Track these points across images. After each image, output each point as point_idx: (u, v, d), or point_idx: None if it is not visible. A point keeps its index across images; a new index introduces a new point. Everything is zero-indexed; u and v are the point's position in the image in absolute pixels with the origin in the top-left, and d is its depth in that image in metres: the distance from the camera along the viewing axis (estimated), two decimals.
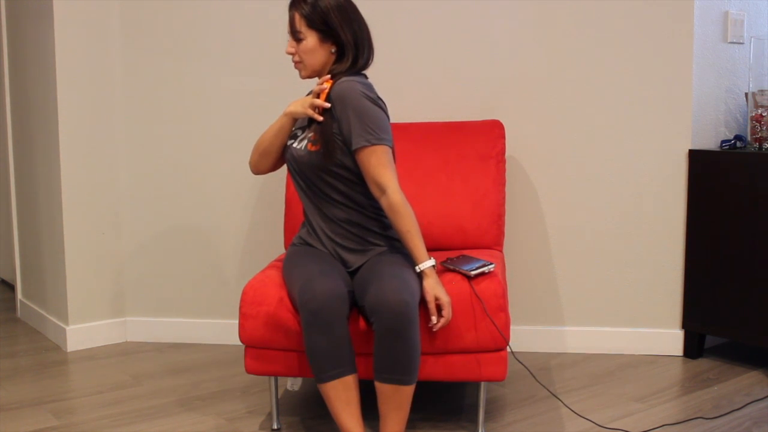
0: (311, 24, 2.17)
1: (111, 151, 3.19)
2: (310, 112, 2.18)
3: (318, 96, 2.19)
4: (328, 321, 2.01)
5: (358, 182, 2.21)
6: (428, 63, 3.03)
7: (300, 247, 2.33)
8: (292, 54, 2.23)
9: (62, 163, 3.08)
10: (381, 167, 2.12)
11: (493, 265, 2.27)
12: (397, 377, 2.03)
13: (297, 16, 2.18)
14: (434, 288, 2.09)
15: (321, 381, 2.06)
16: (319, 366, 2.04)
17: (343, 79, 2.17)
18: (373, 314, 2.01)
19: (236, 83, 3.12)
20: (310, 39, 2.18)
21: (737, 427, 2.34)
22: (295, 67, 2.26)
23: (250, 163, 2.39)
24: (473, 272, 2.23)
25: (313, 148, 2.19)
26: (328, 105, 2.16)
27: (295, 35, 2.19)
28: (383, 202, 2.14)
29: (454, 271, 2.28)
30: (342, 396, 2.05)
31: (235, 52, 3.11)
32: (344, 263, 2.25)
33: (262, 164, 2.37)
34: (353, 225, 2.24)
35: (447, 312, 2.08)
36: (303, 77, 2.26)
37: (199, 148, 3.17)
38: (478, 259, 2.32)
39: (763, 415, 2.43)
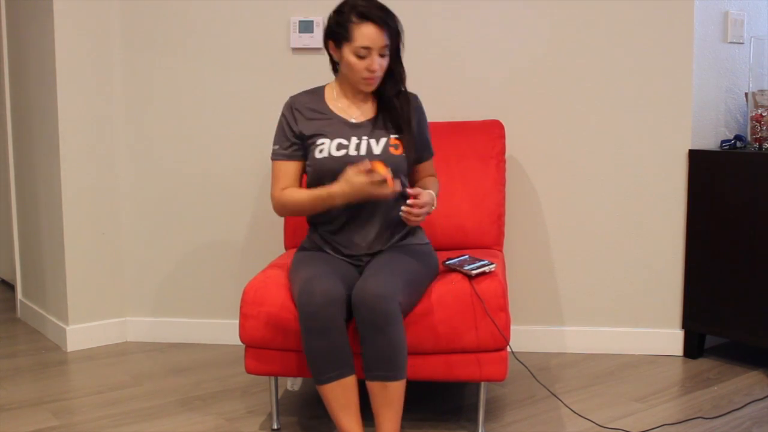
0: (394, 44, 2.27)
1: (111, 150, 3.19)
2: (387, 191, 2.15)
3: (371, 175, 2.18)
4: (325, 324, 2.02)
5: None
6: (428, 63, 3.03)
7: (310, 252, 2.35)
8: (376, 71, 2.25)
9: (62, 163, 3.08)
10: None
11: (494, 265, 2.27)
12: (383, 373, 2.04)
13: (387, 34, 2.23)
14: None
15: (319, 383, 2.07)
16: (317, 368, 2.06)
17: (410, 91, 2.37)
18: (355, 312, 2.05)
19: (237, 83, 3.12)
20: (388, 57, 2.27)
21: (737, 427, 2.34)
22: (369, 82, 2.28)
23: (277, 212, 2.39)
24: (474, 272, 2.23)
25: (397, 152, 2.30)
26: (416, 192, 2.20)
27: (382, 52, 2.24)
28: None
29: (454, 270, 2.29)
30: (340, 398, 2.06)
31: (235, 52, 3.11)
32: (359, 257, 2.29)
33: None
34: (381, 219, 2.31)
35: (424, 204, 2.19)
36: (370, 91, 2.32)
37: (199, 148, 3.17)
38: (478, 259, 2.32)
39: (763, 415, 2.43)
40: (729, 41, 3.07)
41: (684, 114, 2.96)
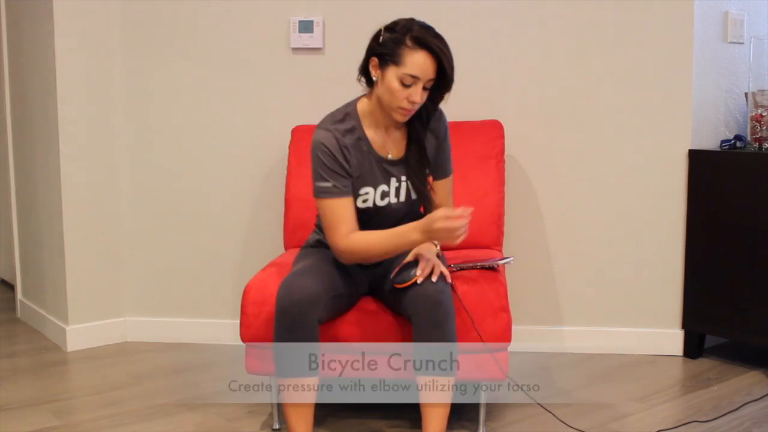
0: (443, 83, 2.09)
1: (111, 151, 3.19)
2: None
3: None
4: (296, 320, 2.02)
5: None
6: None
7: (316, 248, 2.33)
8: (417, 103, 2.08)
9: (62, 163, 3.08)
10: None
11: (512, 258, 2.39)
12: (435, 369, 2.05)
13: (438, 67, 2.06)
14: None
15: (277, 375, 2.09)
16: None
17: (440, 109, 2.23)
18: (411, 305, 2.04)
19: (237, 83, 3.12)
20: (428, 91, 2.10)
21: (737, 427, 2.34)
22: (406, 113, 2.10)
23: (344, 260, 2.17)
24: (497, 264, 2.31)
25: (432, 193, 2.27)
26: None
27: (428, 85, 2.08)
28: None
29: (473, 268, 2.31)
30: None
31: (235, 52, 3.10)
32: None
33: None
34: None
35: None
36: (402, 121, 2.15)
37: (199, 148, 3.17)
38: (491, 258, 2.39)
39: (762, 415, 2.43)
40: (729, 41, 3.07)
41: (684, 114, 2.96)
